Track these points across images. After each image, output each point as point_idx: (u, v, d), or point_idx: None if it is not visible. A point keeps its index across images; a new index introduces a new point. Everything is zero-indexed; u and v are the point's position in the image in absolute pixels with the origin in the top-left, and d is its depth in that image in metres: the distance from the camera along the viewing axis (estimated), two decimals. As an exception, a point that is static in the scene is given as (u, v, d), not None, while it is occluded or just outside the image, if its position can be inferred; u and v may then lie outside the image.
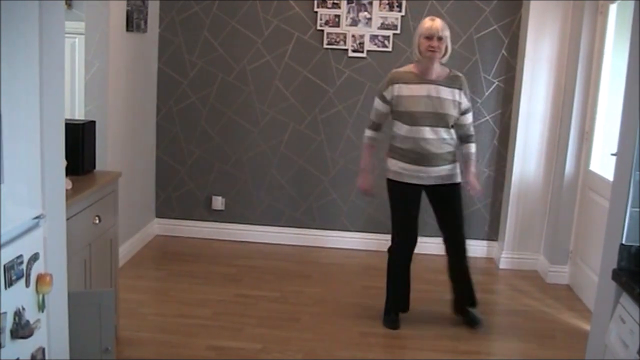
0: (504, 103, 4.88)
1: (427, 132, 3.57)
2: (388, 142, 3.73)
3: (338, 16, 4.82)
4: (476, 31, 4.80)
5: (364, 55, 4.84)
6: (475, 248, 5.06)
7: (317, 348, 3.47)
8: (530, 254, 4.82)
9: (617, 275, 2.20)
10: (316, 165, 5.02)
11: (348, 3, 4.79)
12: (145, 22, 4.62)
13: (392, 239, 3.79)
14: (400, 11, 4.75)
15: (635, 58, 2.27)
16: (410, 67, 3.70)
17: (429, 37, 3.55)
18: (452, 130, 3.65)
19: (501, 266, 4.83)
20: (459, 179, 3.72)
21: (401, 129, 3.63)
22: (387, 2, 4.77)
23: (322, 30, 4.85)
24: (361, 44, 4.82)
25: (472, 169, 3.75)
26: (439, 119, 3.58)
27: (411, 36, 4.71)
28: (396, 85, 3.63)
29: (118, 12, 4.17)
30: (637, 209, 2.20)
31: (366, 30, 4.79)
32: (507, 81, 4.84)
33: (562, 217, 4.54)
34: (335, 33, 4.84)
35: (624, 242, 2.22)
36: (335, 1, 4.80)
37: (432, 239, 5.03)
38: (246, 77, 4.98)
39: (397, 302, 3.81)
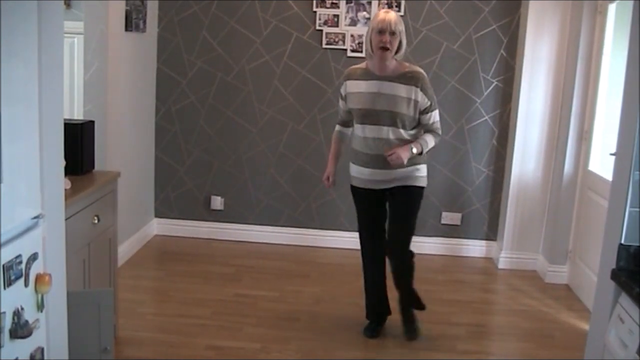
0: (503, 103, 4.88)
1: (378, 132, 3.32)
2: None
3: (337, 16, 4.82)
4: (475, 31, 4.80)
5: (362, 55, 4.83)
6: (474, 248, 5.08)
7: (317, 348, 3.47)
8: (529, 254, 4.82)
9: (616, 275, 2.20)
10: (315, 164, 5.01)
11: (347, 3, 4.79)
12: (144, 22, 4.61)
13: (361, 246, 3.62)
14: (399, 11, 4.74)
15: (634, 58, 2.27)
16: (364, 63, 3.45)
17: (381, 32, 3.22)
18: (413, 132, 3.37)
19: (500, 266, 4.83)
20: (420, 183, 3.43)
21: (355, 128, 3.45)
22: (385, 2, 4.77)
23: (321, 30, 4.85)
24: (360, 43, 4.82)
25: (412, 145, 3.27)
26: (390, 118, 3.29)
27: (410, 37, 4.74)
28: (348, 82, 3.44)
29: (117, 11, 4.16)
30: (636, 209, 2.20)
31: (365, 30, 4.77)
32: (506, 81, 4.84)
33: (561, 216, 4.54)
34: (334, 33, 4.84)
35: (622, 242, 2.22)
36: (334, 1, 4.80)
37: (431, 239, 5.06)
38: (245, 77, 4.97)
39: (373, 309, 3.66)
